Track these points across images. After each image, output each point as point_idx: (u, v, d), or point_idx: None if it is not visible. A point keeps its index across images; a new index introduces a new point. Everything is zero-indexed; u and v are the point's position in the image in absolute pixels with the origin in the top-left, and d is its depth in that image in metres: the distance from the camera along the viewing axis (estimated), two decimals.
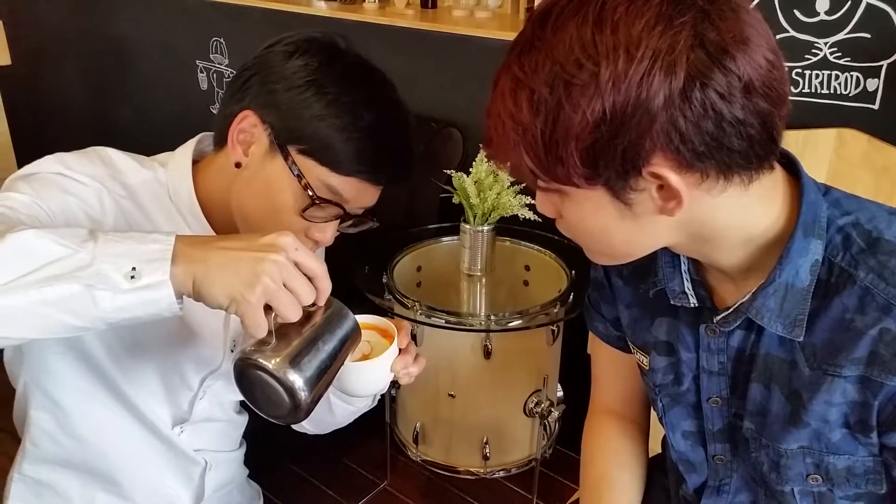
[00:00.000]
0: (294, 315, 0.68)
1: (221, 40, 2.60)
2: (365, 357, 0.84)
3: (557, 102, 0.60)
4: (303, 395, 0.71)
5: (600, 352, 1.01)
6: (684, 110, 0.58)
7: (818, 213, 0.70)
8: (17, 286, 0.62)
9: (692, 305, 0.79)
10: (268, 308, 0.67)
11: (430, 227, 1.83)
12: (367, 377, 0.85)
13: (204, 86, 2.72)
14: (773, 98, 0.61)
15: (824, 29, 1.47)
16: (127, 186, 0.88)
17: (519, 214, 1.53)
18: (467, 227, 1.59)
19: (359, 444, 1.92)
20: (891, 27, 1.41)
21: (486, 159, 1.54)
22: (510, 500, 1.75)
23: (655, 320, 0.85)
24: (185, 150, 0.94)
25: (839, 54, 1.47)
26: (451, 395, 1.62)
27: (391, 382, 0.88)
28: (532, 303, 1.53)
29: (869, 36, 1.43)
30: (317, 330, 0.74)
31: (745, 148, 0.61)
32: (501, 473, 1.71)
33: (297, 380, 0.70)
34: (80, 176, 0.84)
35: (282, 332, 0.71)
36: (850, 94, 1.49)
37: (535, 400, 1.62)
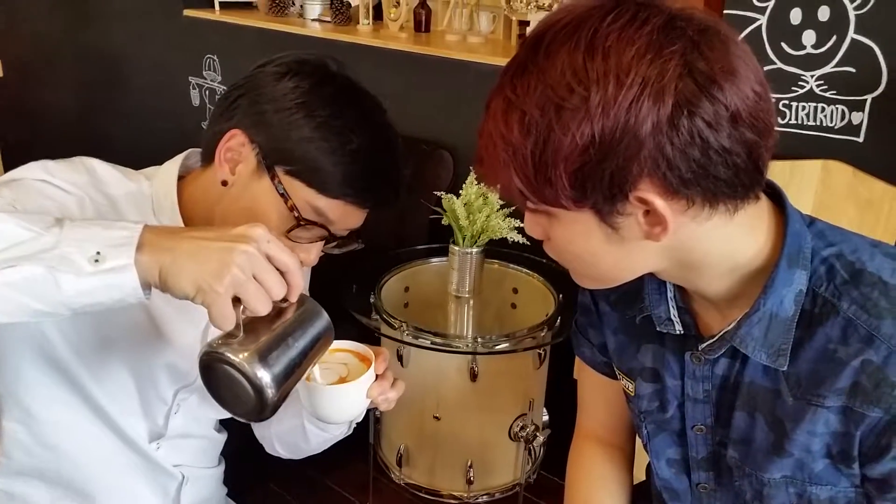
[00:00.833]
0: (263, 308, 0.67)
1: (215, 57, 2.61)
2: (342, 380, 0.84)
3: (548, 125, 0.61)
4: (270, 392, 0.69)
5: (587, 377, 1.01)
6: (672, 137, 0.59)
7: (802, 244, 0.71)
8: None
9: (678, 332, 0.79)
10: (237, 301, 0.66)
11: (418, 247, 1.83)
12: (341, 402, 0.84)
13: (196, 102, 2.73)
14: (760, 129, 0.62)
15: (811, 62, 1.50)
16: (109, 197, 0.88)
17: (508, 237, 1.54)
18: (456, 248, 1.59)
19: (341, 465, 1.90)
20: (875, 62, 1.44)
21: (476, 181, 1.55)
22: None
23: (642, 347, 0.85)
24: (172, 165, 0.94)
25: (825, 87, 1.50)
26: (437, 418, 1.61)
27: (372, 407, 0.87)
28: (519, 326, 1.53)
29: (854, 70, 1.46)
30: (287, 326, 0.72)
31: (731, 176, 0.62)
32: (485, 498, 1.69)
33: (264, 376, 0.68)
34: (63, 183, 0.84)
35: (251, 326, 0.69)
36: (836, 127, 1.51)
37: (521, 424, 1.61)
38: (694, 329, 0.79)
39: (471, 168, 1.58)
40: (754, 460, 0.77)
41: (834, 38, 1.46)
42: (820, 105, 1.52)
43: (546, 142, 0.61)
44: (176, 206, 0.91)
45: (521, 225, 0.83)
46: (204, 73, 2.66)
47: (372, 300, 1.60)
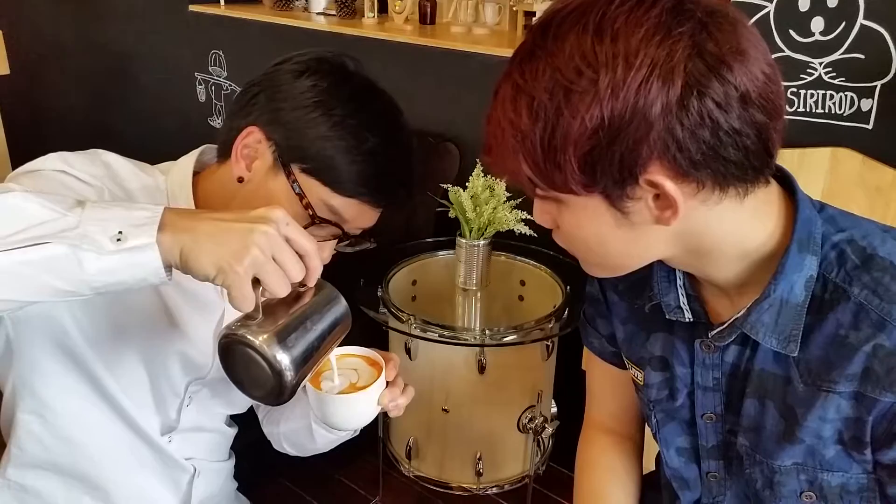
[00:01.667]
0: (282, 290, 0.67)
1: (220, 53, 2.61)
2: (352, 384, 0.83)
3: (557, 109, 0.60)
4: (289, 374, 0.69)
5: (595, 368, 1.01)
6: (681, 118, 0.59)
7: (813, 230, 0.70)
8: (0, 245, 0.62)
9: (687, 320, 0.79)
10: (256, 283, 0.66)
11: (426, 241, 1.82)
12: (352, 410, 0.84)
13: (202, 98, 2.73)
14: (770, 110, 0.61)
15: (819, 49, 1.49)
16: (125, 190, 0.89)
17: (515, 229, 1.53)
18: (463, 241, 1.59)
19: (351, 460, 1.91)
20: (885, 48, 1.42)
21: (482, 173, 1.55)
22: None
23: (651, 335, 0.85)
24: (188, 160, 0.95)
25: (834, 74, 1.49)
26: (445, 410, 1.61)
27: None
28: (527, 318, 1.53)
29: (863, 56, 1.45)
30: (306, 310, 0.72)
31: (741, 158, 0.62)
32: (494, 490, 1.69)
33: (283, 358, 0.68)
34: (81, 174, 0.85)
35: (270, 310, 0.69)
36: (845, 114, 1.50)
37: (529, 416, 1.60)
38: (703, 316, 0.78)
39: (477, 160, 1.57)
40: (765, 448, 0.77)
41: (843, 24, 1.44)
42: (829, 92, 1.50)
43: (555, 126, 0.61)
44: (191, 201, 0.91)
45: (529, 217, 0.83)
46: (210, 68, 2.66)
47: (380, 294, 1.60)
